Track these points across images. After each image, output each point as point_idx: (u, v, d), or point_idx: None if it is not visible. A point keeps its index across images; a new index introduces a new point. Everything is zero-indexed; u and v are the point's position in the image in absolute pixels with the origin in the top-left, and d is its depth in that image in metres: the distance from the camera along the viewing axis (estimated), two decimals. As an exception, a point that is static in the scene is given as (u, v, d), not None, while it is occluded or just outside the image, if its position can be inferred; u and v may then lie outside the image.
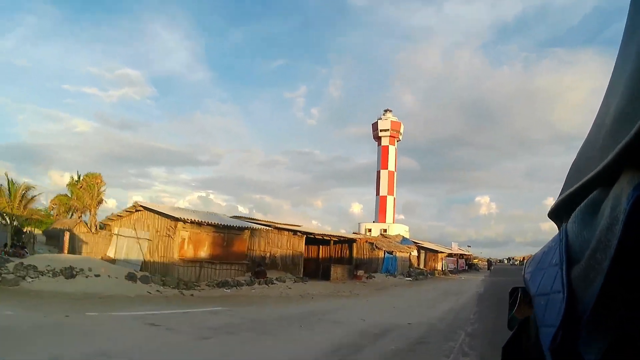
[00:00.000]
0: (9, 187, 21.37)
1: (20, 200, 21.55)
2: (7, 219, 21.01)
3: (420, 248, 35.90)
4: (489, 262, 57.14)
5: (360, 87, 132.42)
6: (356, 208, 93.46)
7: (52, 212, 31.84)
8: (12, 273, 10.35)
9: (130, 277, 12.08)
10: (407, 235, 40.85)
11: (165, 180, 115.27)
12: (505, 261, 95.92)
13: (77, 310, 7.71)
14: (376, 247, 25.16)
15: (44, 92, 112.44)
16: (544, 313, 0.40)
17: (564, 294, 0.37)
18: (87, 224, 26.48)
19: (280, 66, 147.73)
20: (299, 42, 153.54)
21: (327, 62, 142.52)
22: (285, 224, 21.24)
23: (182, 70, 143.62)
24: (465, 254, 49.80)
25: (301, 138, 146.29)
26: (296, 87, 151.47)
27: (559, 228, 0.47)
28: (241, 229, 17.55)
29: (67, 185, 32.03)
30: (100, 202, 29.88)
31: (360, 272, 21.43)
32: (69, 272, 10.98)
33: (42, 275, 10.67)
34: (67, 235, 16.91)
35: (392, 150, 49.33)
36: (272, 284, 16.52)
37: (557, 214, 0.49)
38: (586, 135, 0.47)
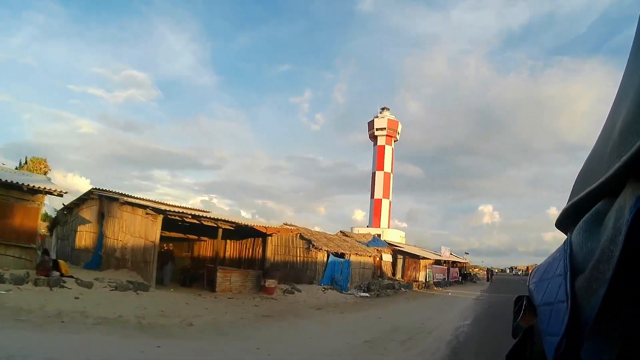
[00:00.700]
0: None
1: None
2: None
3: (397, 252, 27.56)
4: (489, 272, 47.81)
5: (366, 93, 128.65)
6: (359, 215, 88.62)
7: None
8: None
9: None
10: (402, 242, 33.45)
11: (168, 183, 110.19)
12: (508, 270, 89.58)
13: None
14: (313, 246, 16.77)
15: (50, 92, 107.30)
16: (548, 322, 0.40)
17: (568, 303, 0.37)
18: None
19: (286, 71, 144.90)
20: (305, 47, 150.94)
21: (332, 67, 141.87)
22: (132, 198, 13.30)
23: (188, 73, 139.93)
24: (459, 262, 41.08)
25: (305, 143, 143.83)
26: (301, 92, 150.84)
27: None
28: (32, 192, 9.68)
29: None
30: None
31: (270, 282, 13.13)
32: None
33: None
34: None
35: (388, 150, 45.59)
36: (61, 285, 8.69)
37: (563, 223, 0.49)
38: (592, 145, 0.47)
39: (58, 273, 9.49)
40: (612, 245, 0.33)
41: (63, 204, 17.05)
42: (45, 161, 31.73)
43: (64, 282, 8.99)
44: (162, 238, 12.16)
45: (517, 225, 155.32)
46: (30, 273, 9.02)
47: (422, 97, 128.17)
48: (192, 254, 20.41)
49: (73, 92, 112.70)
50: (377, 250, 24.53)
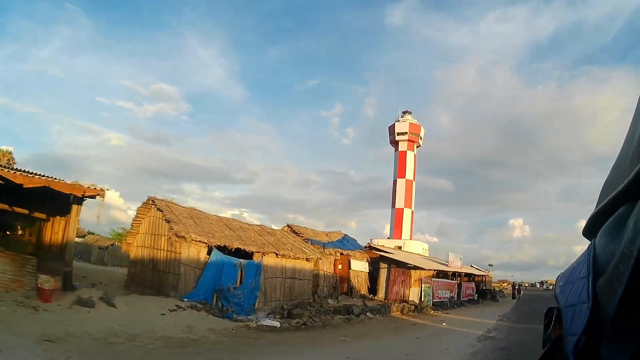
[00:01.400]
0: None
1: None
2: None
3: (381, 259, 19.69)
4: (515, 287, 37.80)
5: (396, 106, 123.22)
6: (389, 230, 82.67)
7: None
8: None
9: None
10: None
11: (199, 196, 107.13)
12: (538, 285, 78.15)
13: None
14: (174, 232, 9.41)
15: (79, 104, 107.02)
16: (571, 323, 0.42)
17: (589, 304, 0.39)
18: None
19: (316, 85, 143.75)
20: (335, 60, 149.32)
21: (363, 81, 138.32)
22: None
23: (217, 87, 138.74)
24: (477, 274, 32.12)
25: (336, 157, 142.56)
26: (332, 106, 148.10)
27: None
28: None
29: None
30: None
31: (45, 281, 6.09)
32: None
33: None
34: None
35: (410, 156, 41.89)
36: None
37: (590, 231, 0.49)
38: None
39: None
40: (632, 246, 0.34)
41: None
42: (10, 154, 27.20)
43: None
44: None
45: (548, 238, 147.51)
46: None
47: (451, 109, 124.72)
48: None
49: (102, 104, 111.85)
50: (341, 253, 16.83)
